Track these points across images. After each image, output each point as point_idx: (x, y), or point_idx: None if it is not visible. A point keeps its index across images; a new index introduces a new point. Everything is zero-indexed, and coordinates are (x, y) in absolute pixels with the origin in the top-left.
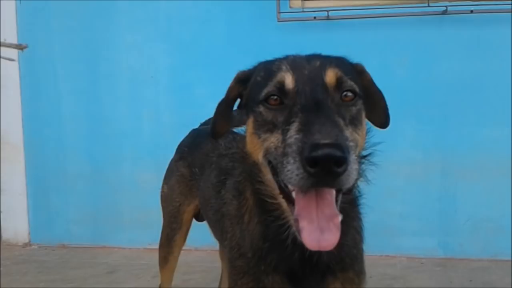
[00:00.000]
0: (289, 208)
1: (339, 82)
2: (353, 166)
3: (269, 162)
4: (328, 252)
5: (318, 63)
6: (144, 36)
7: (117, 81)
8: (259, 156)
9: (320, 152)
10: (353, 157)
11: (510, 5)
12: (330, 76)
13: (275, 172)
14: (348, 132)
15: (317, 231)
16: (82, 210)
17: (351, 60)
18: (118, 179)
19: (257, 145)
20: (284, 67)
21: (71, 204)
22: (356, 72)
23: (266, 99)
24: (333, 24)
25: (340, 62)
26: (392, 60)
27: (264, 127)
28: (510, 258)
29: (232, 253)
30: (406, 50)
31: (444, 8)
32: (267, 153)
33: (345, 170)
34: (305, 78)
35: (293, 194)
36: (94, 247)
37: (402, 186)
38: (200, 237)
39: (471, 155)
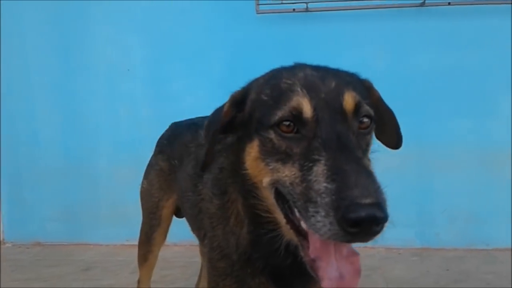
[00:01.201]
0: (298, 239)
1: (357, 108)
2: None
3: (276, 189)
4: None
5: (333, 83)
6: (120, 28)
7: (92, 74)
8: (263, 181)
9: (363, 215)
10: (388, 209)
11: None
12: (349, 102)
13: (280, 198)
14: (367, 164)
15: (337, 274)
16: (57, 206)
17: (360, 76)
18: (94, 174)
19: (264, 171)
20: (298, 89)
21: (45, 201)
22: (366, 89)
23: (278, 124)
24: (312, 16)
25: (355, 82)
26: (370, 52)
27: (275, 155)
28: (485, 247)
29: (213, 254)
30: (384, 42)
31: (422, 0)
32: (276, 183)
33: (382, 228)
34: (323, 103)
35: (303, 224)
36: (70, 244)
37: (379, 177)
38: (179, 232)
39: (447, 146)
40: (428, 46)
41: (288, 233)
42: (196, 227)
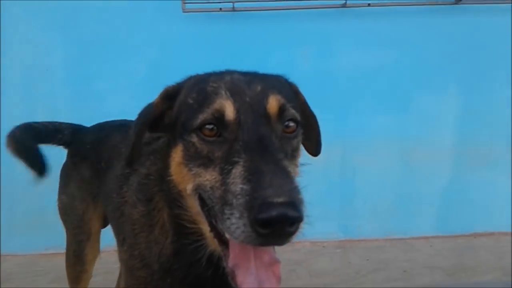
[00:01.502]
0: (221, 248)
1: (281, 111)
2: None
3: (200, 195)
4: None
5: (259, 87)
6: (38, 25)
7: (8, 74)
8: (187, 188)
9: (274, 214)
10: (305, 210)
11: None
12: (273, 105)
13: (205, 205)
14: (292, 169)
15: (256, 283)
16: None
17: (288, 79)
18: (9, 180)
19: (186, 177)
20: (222, 92)
21: None
22: (293, 93)
23: (200, 128)
24: (239, 16)
25: (281, 86)
26: (295, 52)
27: (197, 160)
28: (402, 236)
29: (133, 262)
30: (309, 42)
31: (344, 1)
32: (198, 188)
33: (297, 228)
34: (247, 106)
35: (227, 235)
36: None
37: (304, 173)
38: (101, 237)
39: (367, 142)
40: (349, 45)
41: (212, 243)
42: (116, 231)
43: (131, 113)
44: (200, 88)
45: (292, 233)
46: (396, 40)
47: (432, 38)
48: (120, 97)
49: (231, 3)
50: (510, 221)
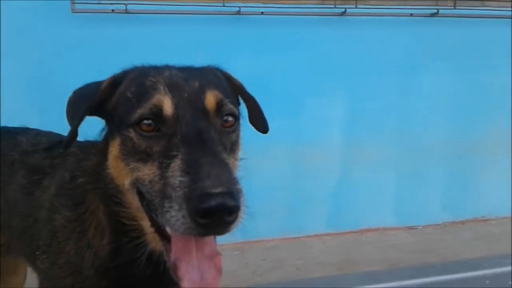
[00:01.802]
0: (162, 243)
1: (219, 106)
2: (243, 209)
3: (138, 190)
4: None
5: (197, 83)
6: None
7: None
8: (125, 183)
9: (212, 204)
10: (243, 200)
11: (297, 8)
12: (211, 100)
13: (144, 200)
14: (231, 162)
15: (197, 275)
16: None
17: (221, 69)
18: None
19: (124, 171)
20: (161, 87)
21: None
22: (227, 80)
23: (138, 123)
24: (131, 18)
25: (218, 81)
26: (189, 56)
27: (135, 155)
28: (297, 235)
29: (57, 271)
30: (204, 47)
31: (238, 8)
32: (137, 183)
33: (236, 218)
34: (185, 102)
35: (168, 229)
36: None
37: None
38: None
39: (263, 145)
40: (244, 52)
41: (153, 240)
42: (27, 241)
43: (17, 116)
44: (139, 82)
45: (231, 222)
46: (288, 47)
47: (321, 46)
48: (4, 99)
49: (124, 5)
50: (394, 217)
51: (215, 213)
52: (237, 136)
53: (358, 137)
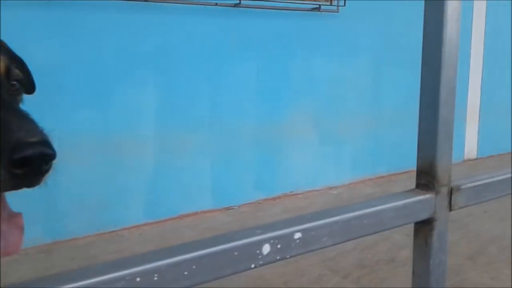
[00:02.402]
0: None
1: (8, 71)
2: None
3: None
4: None
5: None
6: None
7: None
8: None
9: (31, 152)
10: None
11: None
12: (1, 66)
13: None
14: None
15: (2, 239)
16: None
17: None
18: None
19: None
20: None
21: None
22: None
23: None
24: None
25: (3, 49)
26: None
27: None
28: (113, 229)
29: None
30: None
31: None
32: None
33: (51, 167)
34: None
35: None
36: None
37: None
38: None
39: (70, 138)
40: (49, 37)
41: None
42: None
43: None
44: None
45: (47, 171)
46: (94, 33)
47: (127, 32)
48: None
49: None
50: (211, 200)
51: (34, 161)
52: (21, 101)
53: (171, 125)
